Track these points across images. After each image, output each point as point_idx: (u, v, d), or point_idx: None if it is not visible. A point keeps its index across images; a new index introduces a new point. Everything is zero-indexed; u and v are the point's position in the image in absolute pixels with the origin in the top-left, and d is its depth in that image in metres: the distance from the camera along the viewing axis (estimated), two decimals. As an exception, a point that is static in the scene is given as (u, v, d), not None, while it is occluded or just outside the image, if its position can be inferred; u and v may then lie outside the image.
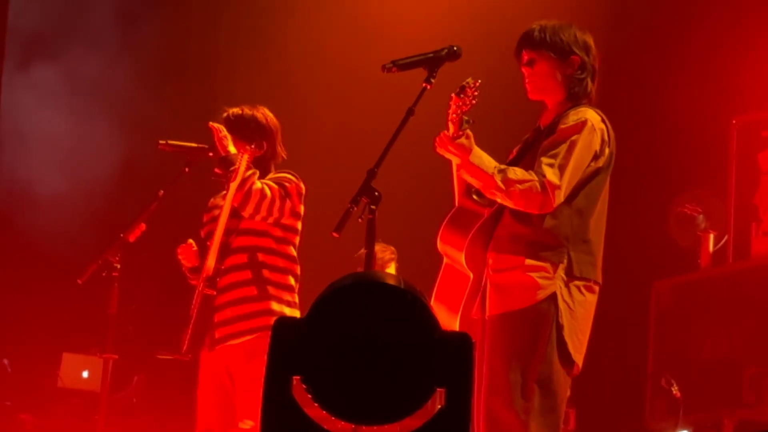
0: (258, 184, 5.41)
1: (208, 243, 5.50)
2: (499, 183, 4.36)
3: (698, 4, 8.24)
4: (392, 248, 7.55)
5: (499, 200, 4.43)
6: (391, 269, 7.33)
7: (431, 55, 4.46)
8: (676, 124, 8.18)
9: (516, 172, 4.37)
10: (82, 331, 7.96)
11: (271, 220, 5.46)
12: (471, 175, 4.42)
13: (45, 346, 8.32)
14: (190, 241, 5.59)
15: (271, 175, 5.59)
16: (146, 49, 9.22)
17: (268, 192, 5.43)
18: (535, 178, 4.35)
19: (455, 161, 4.48)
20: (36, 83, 8.78)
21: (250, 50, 9.33)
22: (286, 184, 5.51)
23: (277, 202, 5.45)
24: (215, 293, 5.45)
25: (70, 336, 8.39)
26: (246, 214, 5.43)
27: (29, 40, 8.88)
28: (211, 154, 5.63)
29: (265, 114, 5.64)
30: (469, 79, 4.38)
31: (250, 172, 5.41)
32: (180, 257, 5.58)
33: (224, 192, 5.56)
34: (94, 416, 5.88)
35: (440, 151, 4.47)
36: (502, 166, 4.42)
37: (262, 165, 5.58)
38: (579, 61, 4.55)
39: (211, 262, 5.45)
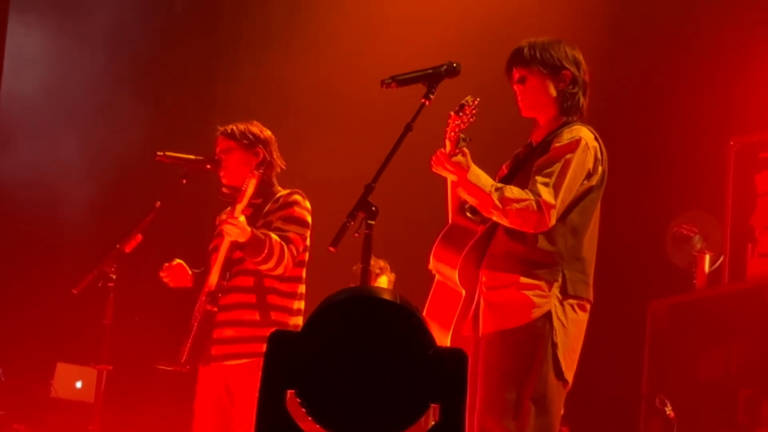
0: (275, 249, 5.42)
1: (212, 259, 5.49)
2: (496, 201, 4.36)
3: (696, 24, 8.25)
4: (382, 263, 7.53)
5: (495, 218, 4.42)
6: (381, 283, 7.31)
7: (430, 71, 4.46)
8: (674, 144, 8.19)
9: (513, 191, 4.37)
10: (77, 341, 7.95)
11: (278, 272, 5.47)
12: (468, 193, 4.42)
13: (39, 356, 8.30)
14: (179, 261, 5.59)
15: (279, 194, 5.58)
16: (145, 59, 9.23)
17: (284, 255, 5.43)
18: (532, 197, 4.35)
19: (452, 179, 4.48)
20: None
21: (249, 63, 9.35)
22: (291, 235, 5.49)
23: (284, 260, 5.44)
24: (216, 310, 5.46)
25: (65, 346, 8.37)
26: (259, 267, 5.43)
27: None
28: (208, 166, 5.64)
29: (258, 125, 5.69)
30: (468, 98, 4.39)
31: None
32: (164, 279, 5.58)
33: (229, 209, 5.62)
34: (88, 427, 5.86)
35: (436, 169, 4.47)
36: (499, 185, 4.42)
37: (264, 174, 5.59)
38: (570, 75, 4.56)
39: (213, 278, 5.47)
